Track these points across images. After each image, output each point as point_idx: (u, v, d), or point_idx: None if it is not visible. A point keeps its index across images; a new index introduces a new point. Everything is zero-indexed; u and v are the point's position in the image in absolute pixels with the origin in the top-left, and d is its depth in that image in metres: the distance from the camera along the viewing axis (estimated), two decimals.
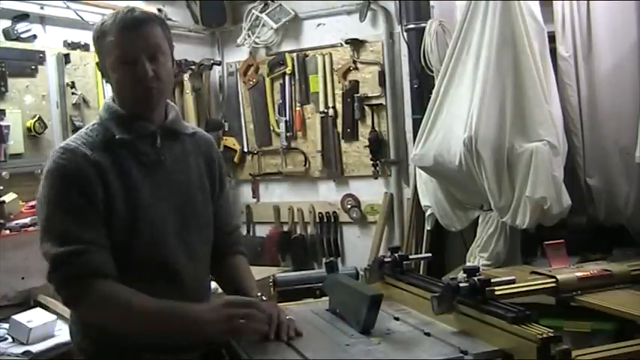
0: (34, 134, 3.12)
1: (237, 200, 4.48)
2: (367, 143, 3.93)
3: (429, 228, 3.44)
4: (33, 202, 2.98)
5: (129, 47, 1.57)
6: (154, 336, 1.55)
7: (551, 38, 2.94)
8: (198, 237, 1.72)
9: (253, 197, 4.44)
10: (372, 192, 4.01)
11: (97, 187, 1.54)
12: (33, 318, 2.64)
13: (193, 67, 4.12)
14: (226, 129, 4.43)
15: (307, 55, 4.14)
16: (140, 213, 1.58)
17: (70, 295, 1.52)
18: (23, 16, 3.13)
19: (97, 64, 1.69)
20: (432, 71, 3.35)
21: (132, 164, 1.60)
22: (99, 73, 3.41)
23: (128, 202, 1.57)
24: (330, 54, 4.06)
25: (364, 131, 3.98)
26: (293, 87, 4.20)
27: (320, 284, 1.97)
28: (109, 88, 3.39)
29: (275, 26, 4.15)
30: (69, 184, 1.53)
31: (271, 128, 4.31)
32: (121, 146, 1.61)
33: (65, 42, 3.37)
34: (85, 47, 3.45)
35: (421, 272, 3.22)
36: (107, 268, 1.52)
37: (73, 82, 3.34)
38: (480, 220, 3.09)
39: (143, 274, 1.55)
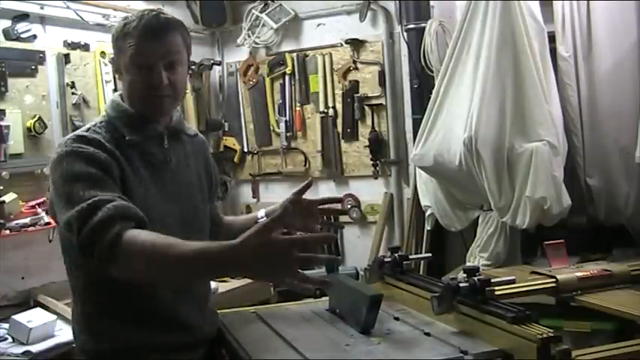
0: (34, 134, 3.11)
1: (236, 201, 4.50)
2: (367, 143, 3.92)
3: (429, 228, 3.44)
4: (33, 202, 2.99)
5: (148, 52, 1.58)
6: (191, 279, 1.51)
7: (551, 38, 2.94)
8: (198, 237, 1.72)
9: (253, 197, 4.44)
10: (372, 192, 4.01)
11: (114, 167, 1.52)
12: (33, 318, 2.64)
13: (193, 67, 4.12)
14: (226, 129, 4.43)
15: (307, 55, 4.14)
16: (150, 211, 1.57)
17: (104, 245, 1.35)
18: (23, 16, 3.13)
19: (112, 59, 1.69)
20: (432, 71, 3.35)
21: (140, 164, 1.61)
22: (99, 73, 3.47)
23: (141, 199, 1.56)
24: (330, 54, 4.06)
25: (364, 131, 3.98)
26: (293, 87, 4.20)
27: None
28: (109, 88, 3.46)
29: (275, 26, 4.15)
30: (86, 162, 1.49)
31: (271, 128, 4.31)
32: (129, 146, 1.61)
33: (65, 42, 3.37)
34: (85, 47, 3.45)
35: (421, 272, 3.22)
36: (132, 210, 1.43)
37: (73, 82, 3.34)
38: (480, 220, 3.09)
39: None
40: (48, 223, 2.93)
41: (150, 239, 1.36)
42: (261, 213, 1.92)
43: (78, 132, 1.60)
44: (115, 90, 3.46)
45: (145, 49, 1.57)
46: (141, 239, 1.36)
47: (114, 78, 3.51)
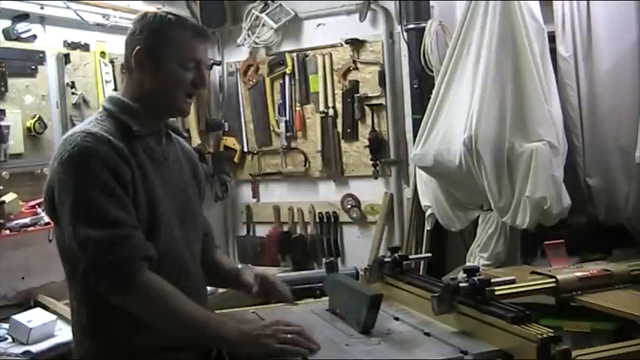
0: (34, 134, 3.11)
1: (236, 201, 4.50)
2: (367, 143, 3.92)
3: (429, 228, 3.44)
4: (33, 202, 2.99)
5: (201, 52, 1.64)
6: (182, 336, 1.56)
7: (551, 38, 2.94)
8: (195, 234, 1.76)
9: (253, 197, 4.44)
10: (372, 192, 4.01)
11: (126, 172, 1.54)
12: (33, 318, 2.64)
13: None
14: (226, 129, 4.42)
15: (307, 55, 4.14)
16: (157, 205, 1.60)
17: (119, 280, 1.46)
18: (23, 16, 3.13)
19: (142, 49, 1.61)
20: (432, 71, 3.35)
21: (144, 157, 1.62)
22: (99, 73, 3.47)
23: (147, 194, 1.58)
24: (330, 54, 4.06)
25: (364, 131, 3.97)
26: (293, 87, 4.19)
27: (320, 284, 1.97)
28: (109, 88, 3.46)
29: (275, 26, 4.15)
30: (100, 166, 1.50)
31: (271, 128, 4.30)
32: (134, 139, 1.61)
33: (65, 42, 3.37)
34: (85, 47, 3.46)
35: (421, 272, 3.22)
36: (152, 250, 1.53)
37: (73, 82, 3.34)
38: (480, 220, 3.09)
39: (159, 269, 1.54)
40: (48, 223, 2.93)
41: (171, 291, 1.50)
42: (249, 275, 1.89)
43: (85, 127, 1.58)
44: (115, 90, 3.47)
45: (200, 47, 1.64)
46: (162, 287, 1.50)
47: (114, 78, 3.52)
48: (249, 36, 4.23)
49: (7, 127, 2.94)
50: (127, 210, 1.52)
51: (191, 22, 1.67)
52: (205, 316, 1.54)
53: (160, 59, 1.61)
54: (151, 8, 3.47)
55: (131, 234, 1.49)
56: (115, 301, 1.50)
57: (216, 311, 1.81)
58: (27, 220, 2.91)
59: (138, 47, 1.62)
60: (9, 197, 2.87)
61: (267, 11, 4.15)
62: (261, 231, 4.41)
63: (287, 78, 4.19)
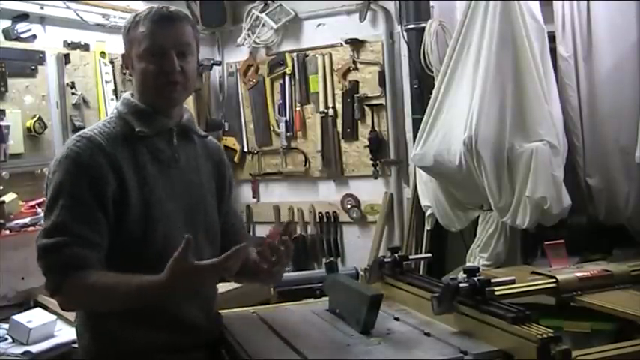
0: (34, 134, 3.11)
1: (237, 200, 4.49)
2: (367, 143, 3.93)
3: (429, 228, 3.44)
4: (33, 202, 2.99)
5: (160, 39, 1.60)
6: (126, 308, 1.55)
7: (551, 38, 2.94)
8: (206, 238, 1.73)
9: (253, 197, 4.44)
10: (372, 192, 4.01)
11: (109, 179, 1.54)
12: (33, 318, 2.63)
13: None
14: (226, 129, 4.43)
15: (307, 55, 4.14)
16: (154, 209, 1.59)
17: (50, 283, 1.52)
18: (23, 16, 3.13)
19: (123, 55, 1.71)
20: (432, 71, 3.35)
21: (147, 159, 1.61)
22: (99, 73, 3.47)
23: (143, 197, 1.57)
24: (330, 54, 4.06)
25: (364, 131, 3.98)
26: (293, 87, 4.20)
27: (320, 284, 1.97)
28: (109, 88, 3.46)
29: (275, 26, 4.15)
30: (79, 173, 1.52)
31: (271, 128, 4.31)
32: (138, 141, 1.61)
33: (65, 42, 3.37)
34: (85, 47, 3.46)
35: (421, 272, 3.22)
36: (86, 262, 1.50)
37: (73, 82, 3.34)
38: (480, 220, 3.09)
39: (156, 271, 1.51)
40: None
41: (92, 282, 1.48)
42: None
43: (86, 130, 1.62)
44: (115, 90, 3.49)
45: (158, 35, 1.60)
46: (87, 282, 1.48)
47: (114, 78, 3.53)
48: (249, 36, 4.23)
49: (7, 127, 2.94)
50: (85, 222, 1.51)
51: (156, 11, 1.63)
52: (135, 283, 1.48)
53: (130, 59, 1.66)
54: None
55: (71, 243, 1.48)
56: (58, 302, 1.55)
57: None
58: (27, 220, 2.91)
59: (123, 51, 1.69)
60: (9, 197, 2.87)
61: (267, 11, 4.16)
62: (261, 231, 4.40)
63: (287, 78, 4.20)
